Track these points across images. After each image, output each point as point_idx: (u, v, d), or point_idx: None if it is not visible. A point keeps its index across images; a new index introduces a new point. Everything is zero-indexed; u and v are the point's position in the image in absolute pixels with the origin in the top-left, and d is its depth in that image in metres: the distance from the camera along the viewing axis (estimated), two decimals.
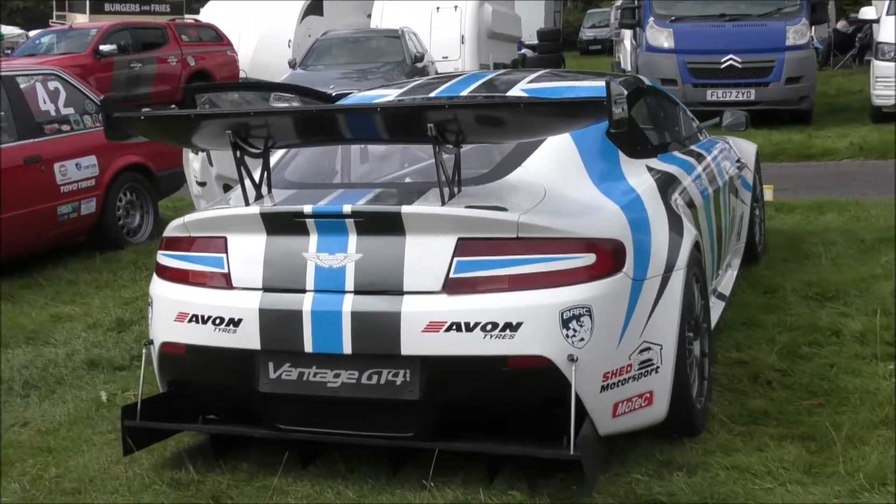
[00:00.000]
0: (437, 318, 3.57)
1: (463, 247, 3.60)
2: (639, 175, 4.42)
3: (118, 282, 7.40)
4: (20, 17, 45.14)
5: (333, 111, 3.98)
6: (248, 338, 3.78)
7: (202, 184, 5.99)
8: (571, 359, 3.53)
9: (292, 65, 17.57)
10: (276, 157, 4.55)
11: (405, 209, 3.61)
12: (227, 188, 6.01)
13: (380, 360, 3.65)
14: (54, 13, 36.99)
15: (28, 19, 47.54)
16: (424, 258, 3.62)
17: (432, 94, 4.80)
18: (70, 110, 8.19)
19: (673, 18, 14.80)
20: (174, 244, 4.09)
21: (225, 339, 3.83)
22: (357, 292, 3.66)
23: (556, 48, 28.02)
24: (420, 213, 3.62)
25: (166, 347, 4.01)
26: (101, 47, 17.80)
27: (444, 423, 3.71)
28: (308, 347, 3.70)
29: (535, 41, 29.88)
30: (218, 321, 3.83)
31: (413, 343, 3.58)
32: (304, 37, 23.12)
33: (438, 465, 3.84)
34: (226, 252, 3.88)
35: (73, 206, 7.91)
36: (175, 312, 3.95)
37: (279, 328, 3.74)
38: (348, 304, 3.65)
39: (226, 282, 3.87)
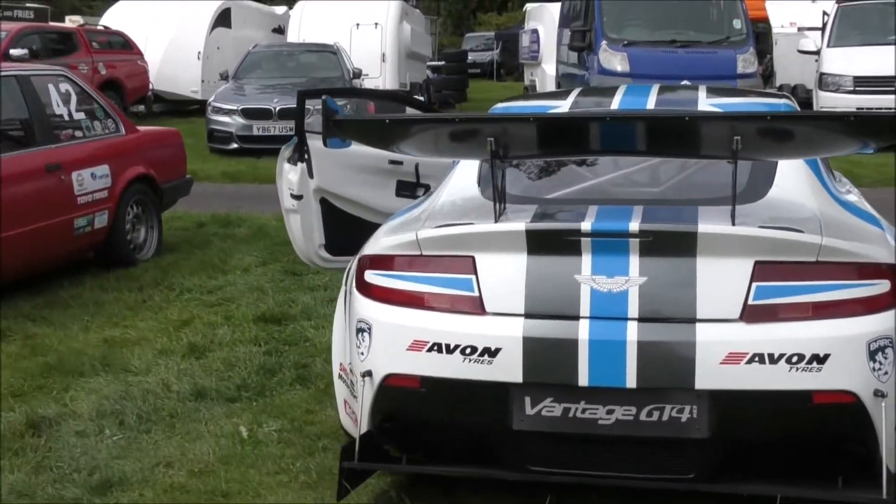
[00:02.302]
0: (737, 348, 3.26)
1: (761, 271, 3.31)
2: (848, 193, 4.24)
3: (149, 302, 6.79)
4: None
5: (627, 118, 3.60)
6: (507, 369, 3.39)
7: (298, 197, 5.50)
8: (878, 394, 3.28)
9: (224, 77, 16.88)
10: (464, 170, 4.20)
11: (702, 228, 3.31)
12: (324, 202, 5.58)
13: (664, 394, 3.32)
14: None
15: None
16: (719, 283, 3.31)
17: (613, 107, 4.49)
18: (81, 115, 7.53)
19: (626, 42, 14.83)
20: (393, 263, 3.65)
21: (477, 371, 3.42)
22: (642, 320, 3.32)
23: (461, 69, 27.92)
24: (718, 233, 3.32)
25: (392, 380, 3.56)
26: (12, 51, 16.72)
27: (727, 463, 3.41)
28: (583, 380, 3.33)
29: (437, 62, 29.64)
30: (469, 350, 3.42)
31: (709, 376, 3.27)
32: (213, 49, 22.42)
33: None
34: (475, 273, 3.48)
35: (87, 218, 7.24)
36: (408, 340, 3.51)
37: (548, 359, 3.36)
38: (633, 332, 3.30)
39: (477, 306, 3.46)
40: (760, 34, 15.38)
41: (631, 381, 3.31)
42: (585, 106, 4.61)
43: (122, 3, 23.72)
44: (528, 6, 26.25)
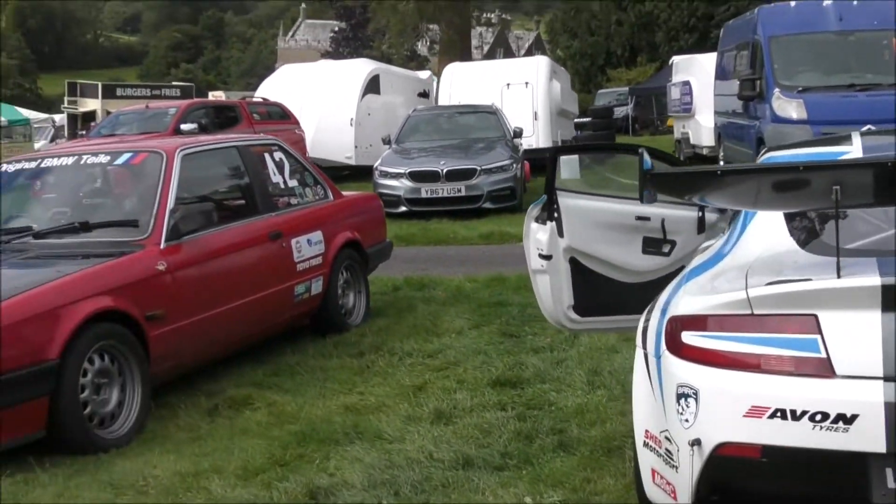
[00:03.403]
0: None
1: None
2: None
3: (374, 368, 6.70)
4: (17, 102, 44.41)
5: None
6: (867, 438, 3.11)
7: (547, 257, 5.35)
8: None
9: (386, 141, 17.03)
10: (764, 221, 3.97)
11: None
12: (573, 262, 5.42)
13: None
14: (66, 99, 36.72)
15: (27, 104, 46.96)
16: None
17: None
18: (294, 182, 7.58)
19: (800, 89, 14.39)
20: (718, 323, 3.42)
21: (829, 440, 3.15)
22: None
23: (608, 125, 27.69)
24: None
25: (726, 449, 3.32)
26: (182, 126, 17.23)
27: None
28: None
29: (583, 119, 29.48)
30: (819, 417, 3.16)
31: None
32: (364, 115, 22.70)
33: None
34: (819, 333, 3.23)
35: (305, 285, 7.24)
36: (745, 406, 3.27)
37: None
38: None
39: (825, 369, 3.21)
40: None
41: None
42: (882, 149, 4.32)
43: (275, 76, 24.33)
44: (675, 59, 25.93)
